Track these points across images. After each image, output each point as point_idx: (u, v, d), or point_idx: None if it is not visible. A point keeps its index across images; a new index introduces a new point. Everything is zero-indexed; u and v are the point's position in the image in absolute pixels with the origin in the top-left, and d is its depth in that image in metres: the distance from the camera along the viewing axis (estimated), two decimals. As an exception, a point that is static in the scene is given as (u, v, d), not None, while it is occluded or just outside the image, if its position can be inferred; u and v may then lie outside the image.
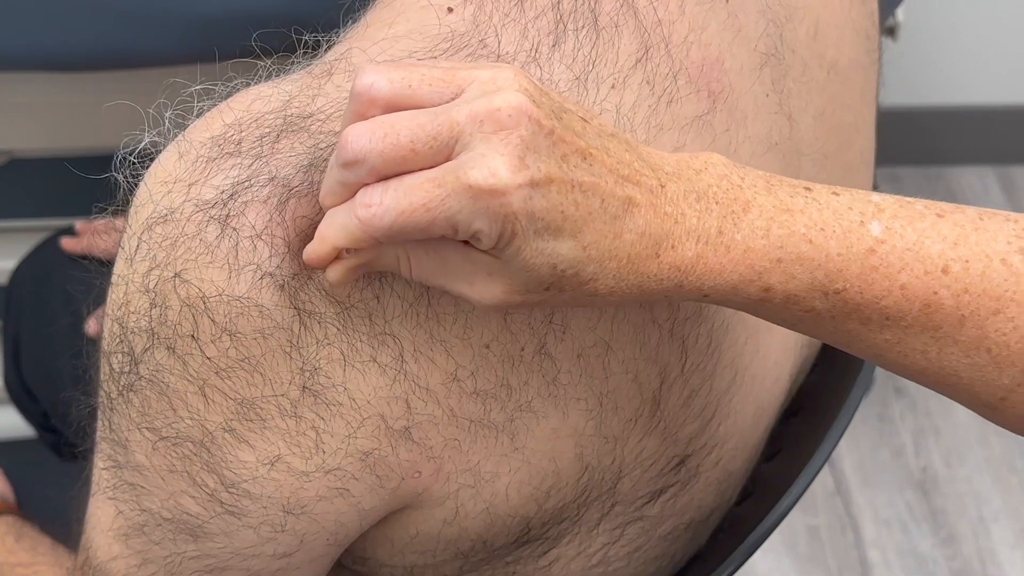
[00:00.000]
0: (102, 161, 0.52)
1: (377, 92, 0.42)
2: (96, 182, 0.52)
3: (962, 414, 1.59)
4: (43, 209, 1.11)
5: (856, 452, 1.56)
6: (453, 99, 0.42)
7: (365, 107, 0.42)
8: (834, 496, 1.52)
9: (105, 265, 0.99)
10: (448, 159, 0.41)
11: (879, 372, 1.63)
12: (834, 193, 0.46)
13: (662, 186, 0.44)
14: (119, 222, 0.94)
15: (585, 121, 0.43)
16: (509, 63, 0.47)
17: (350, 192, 0.42)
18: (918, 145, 1.88)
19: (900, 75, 1.77)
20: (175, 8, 0.86)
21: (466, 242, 0.43)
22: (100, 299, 0.89)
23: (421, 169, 0.41)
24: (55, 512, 0.71)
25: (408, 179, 0.41)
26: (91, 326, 0.92)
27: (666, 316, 0.51)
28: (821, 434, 0.63)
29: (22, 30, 0.88)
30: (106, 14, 0.87)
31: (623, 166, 0.43)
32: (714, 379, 0.55)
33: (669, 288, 0.44)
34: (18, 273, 1.04)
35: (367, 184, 0.42)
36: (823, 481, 1.53)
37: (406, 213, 0.41)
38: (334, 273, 0.44)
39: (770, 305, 0.45)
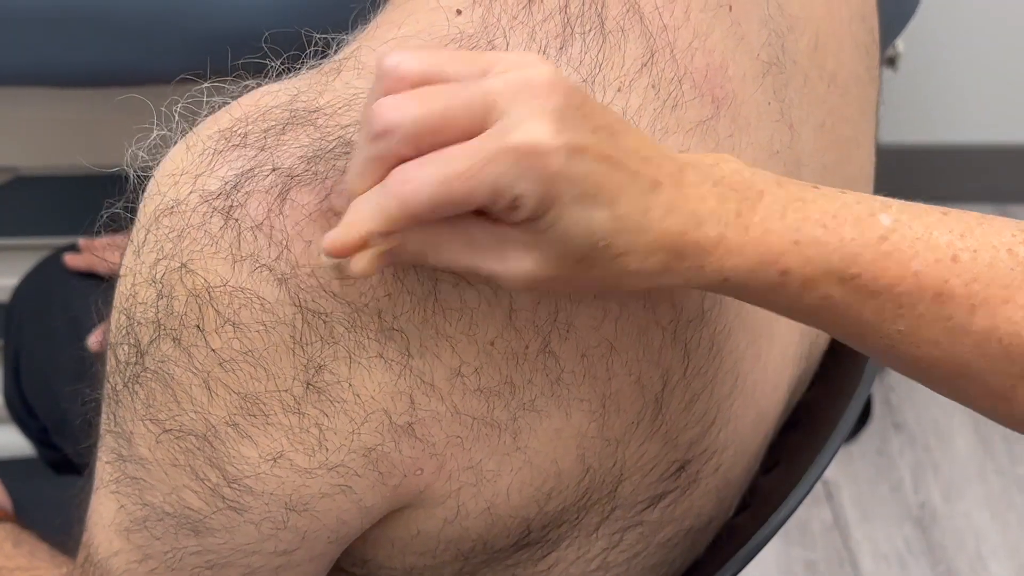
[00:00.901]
0: (107, 179, 0.52)
1: (406, 69, 0.42)
2: (101, 200, 0.52)
3: (961, 449, 1.59)
4: (47, 227, 1.11)
5: (855, 486, 1.56)
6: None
7: (393, 84, 0.42)
8: (832, 530, 1.52)
9: (108, 281, 0.99)
10: (481, 129, 0.41)
11: (878, 407, 1.63)
12: (841, 192, 0.47)
13: (681, 171, 0.45)
14: (121, 238, 0.94)
15: (607, 109, 0.44)
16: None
17: (382, 167, 0.41)
18: (918, 183, 1.89)
19: (901, 114, 1.79)
20: (181, 25, 0.86)
21: (493, 219, 0.43)
22: (102, 315, 0.89)
23: (454, 140, 0.41)
24: (53, 529, 0.71)
25: (445, 150, 0.41)
26: (93, 341, 0.92)
27: (669, 319, 0.51)
28: (817, 448, 0.63)
29: (27, 46, 0.89)
30: (111, 30, 0.88)
31: (644, 148, 0.44)
32: (715, 384, 0.55)
33: (691, 269, 0.45)
34: (20, 290, 1.05)
35: (401, 159, 0.41)
36: (821, 515, 1.53)
37: (446, 183, 0.40)
38: (361, 264, 0.42)
39: (787, 291, 0.46)
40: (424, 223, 0.42)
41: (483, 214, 0.43)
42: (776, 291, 0.46)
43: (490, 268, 0.44)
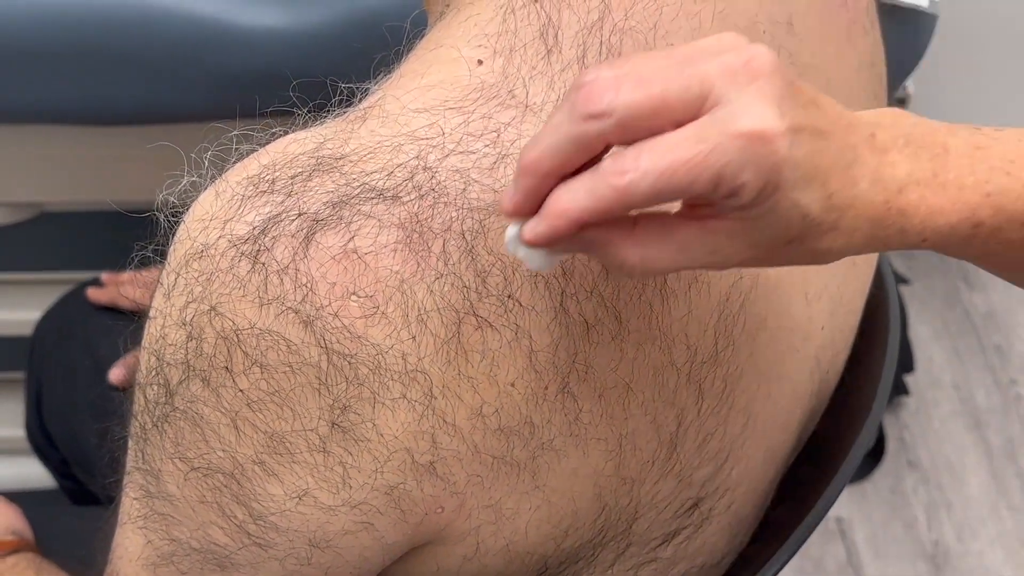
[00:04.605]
0: (131, 215, 0.54)
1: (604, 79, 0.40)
2: (124, 236, 0.53)
3: (975, 488, 1.59)
4: (71, 262, 1.13)
5: (868, 524, 1.56)
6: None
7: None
8: (846, 568, 1.52)
9: (129, 316, 1.00)
10: (696, 115, 0.40)
11: (891, 445, 1.63)
12: (996, 130, 0.48)
13: (872, 135, 0.44)
14: (145, 274, 0.96)
15: (804, 81, 0.44)
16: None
17: (584, 150, 0.40)
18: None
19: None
20: (204, 64, 0.88)
21: (696, 214, 0.42)
22: (124, 348, 0.91)
23: (667, 126, 0.40)
24: (74, 559, 0.72)
25: (664, 139, 0.39)
26: (114, 374, 0.94)
27: (684, 360, 0.52)
28: (826, 481, 0.64)
29: (52, 84, 0.90)
30: (137, 69, 0.89)
31: (842, 115, 0.44)
32: (728, 423, 0.56)
33: (892, 236, 0.45)
34: (42, 323, 1.06)
35: (607, 141, 0.40)
36: (835, 553, 1.53)
37: (667, 173, 0.39)
38: (541, 262, 0.42)
39: (974, 242, 0.46)
40: (647, 206, 0.41)
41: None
42: (965, 243, 0.46)
43: (701, 263, 0.43)
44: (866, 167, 0.43)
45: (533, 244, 0.41)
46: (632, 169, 0.39)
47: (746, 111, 0.39)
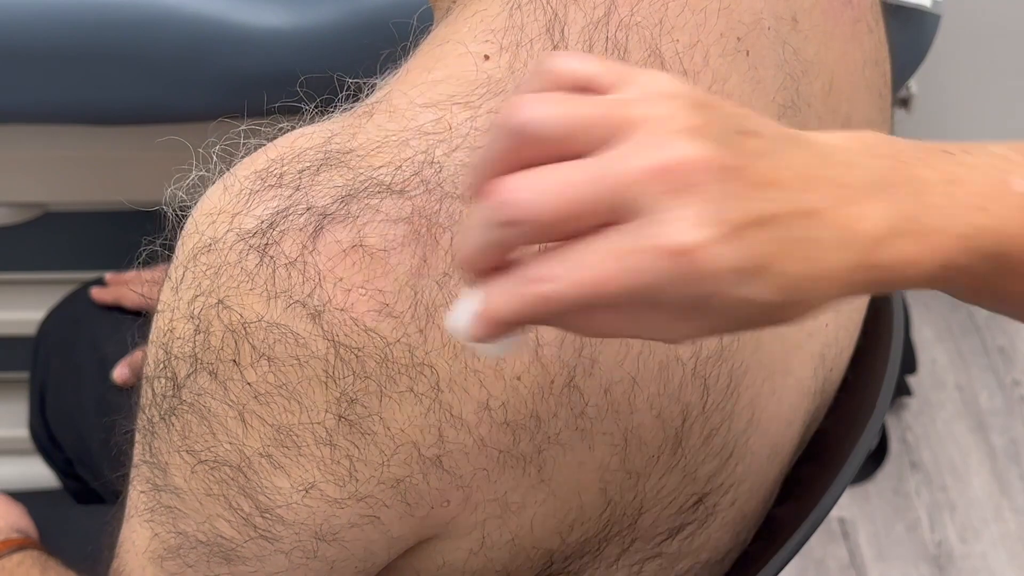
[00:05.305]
0: (135, 215, 0.54)
1: (532, 132, 0.38)
2: (128, 235, 0.54)
3: (978, 489, 1.59)
4: (75, 262, 1.13)
5: (871, 525, 1.56)
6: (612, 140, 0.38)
7: (519, 144, 0.38)
8: (848, 569, 1.52)
9: (134, 315, 1.00)
10: (618, 219, 0.37)
11: (894, 446, 1.63)
12: (966, 152, 0.44)
13: (841, 186, 0.40)
14: (149, 273, 0.96)
15: (759, 135, 0.39)
16: (671, 77, 0.42)
17: (509, 250, 0.39)
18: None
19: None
20: (213, 65, 0.88)
21: None
22: (129, 347, 0.91)
23: (587, 230, 0.37)
24: (78, 556, 0.72)
25: (585, 252, 0.37)
26: (118, 373, 0.94)
27: (689, 355, 0.53)
28: (829, 479, 0.64)
29: (56, 84, 0.90)
30: (143, 69, 0.90)
31: (803, 171, 0.39)
32: (733, 419, 0.56)
33: (864, 290, 0.41)
34: (46, 323, 1.06)
35: (527, 243, 0.38)
36: (837, 554, 1.53)
37: (588, 287, 0.37)
38: (498, 350, 0.40)
39: (939, 281, 0.43)
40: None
41: None
42: (929, 283, 0.43)
43: (655, 337, 0.41)
44: (828, 233, 0.39)
45: (471, 340, 0.40)
46: (554, 279, 0.37)
47: (667, 229, 0.36)
